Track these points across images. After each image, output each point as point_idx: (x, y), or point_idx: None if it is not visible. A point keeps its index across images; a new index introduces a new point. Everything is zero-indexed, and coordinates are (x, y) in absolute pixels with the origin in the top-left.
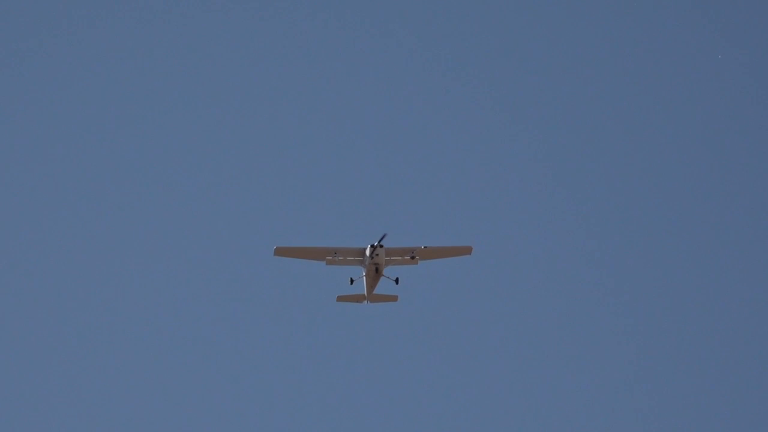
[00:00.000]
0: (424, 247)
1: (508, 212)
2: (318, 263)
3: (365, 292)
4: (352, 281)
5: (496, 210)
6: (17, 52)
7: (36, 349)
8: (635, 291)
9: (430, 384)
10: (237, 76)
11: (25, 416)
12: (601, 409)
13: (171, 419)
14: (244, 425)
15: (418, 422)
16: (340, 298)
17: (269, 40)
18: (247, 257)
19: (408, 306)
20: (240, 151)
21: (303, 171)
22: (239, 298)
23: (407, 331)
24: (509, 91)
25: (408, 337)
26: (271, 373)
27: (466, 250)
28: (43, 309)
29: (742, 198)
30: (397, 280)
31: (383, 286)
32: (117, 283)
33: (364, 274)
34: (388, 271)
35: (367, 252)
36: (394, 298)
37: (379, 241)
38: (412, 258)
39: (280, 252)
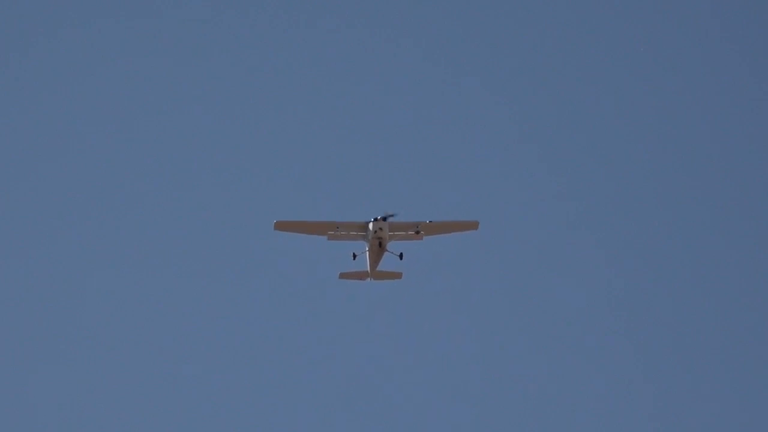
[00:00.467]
0: (429, 221)
1: (517, 185)
2: (319, 238)
3: (368, 269)
4: (354, 256)
5: (504, 183)
6: (17, 52)
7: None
8: (645, 265)
9: (435, 363)
10: (236, 49)
11: (25, 416)
12: (605, 387)
13: (165, 395)
14: (242, 404)
15: (422, 404)
16: (343, 275)
17: (269, 10)
18: (246, 232)
19: (412, 283)
20: (239, 121)
21: (304, 142)
22: (237, 275)
23: (411, 309)
24: (520, 64)
25: (412, 315)
26: (271, 352)
27: (472, 225)
28: (42, 281)
29: (744, 198)
30: (401, 256)
31: (387, 263)
32: (113, 256)
33: (367, 249)
34: (392, 247)
35: (370, 226)
36: (398, 275)
37: (383, 217)
38: (417, 233)
39: (281, 226)
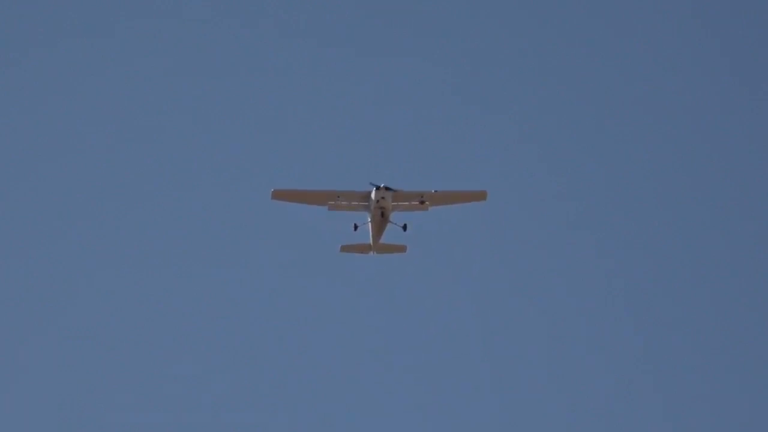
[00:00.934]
0: (435, 191)
1: (527, 154)
2: (319, 208)
3: (371, 241)
4: (356, 227)
5: (513, 151)
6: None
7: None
8: (659, 239)
9: (440, 341)
10: (236, 18)
11: (25, 416)
12: (614, 361)
13: (163, 373)
14: (239, 381)
15: (424, 384)
16: (344, 248)
17: None
18: (241, 201)
19: (417, 257)
20: (234, 85)
21: (304, 107)
22: (231, 247)
23: (416, 284)
24: (528, 30)
25: (416, 291)
26: (268, 330)
27: (480, 195)
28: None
29: (744, 198)
30: (405, 227)
31: (391, 236)
32: (105, 230)
33: (369, 220)
34: (396, 218)
35: (372, 195)
36: (402, 249)
37: (386, 186)
38: (422, 203)
39: (278, 195)
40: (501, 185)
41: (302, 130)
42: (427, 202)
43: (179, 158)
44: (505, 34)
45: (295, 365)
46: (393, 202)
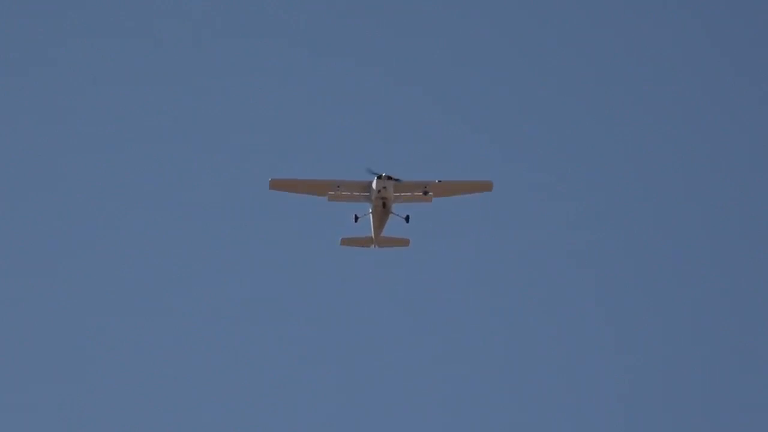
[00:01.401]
0: (439, 181)
1: (534, 142)
2: (319, 198)
3: (372, 233)
4: (356, 218)
5: (520, 139)
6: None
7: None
8: (668, 231)
9: (444, 338)
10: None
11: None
12: (621, 359)
13: (158, 368)
14: (236, 378)
15: (430, 383)
16: (345, 242)
17: None
18: (238, 191)
19: (420, 251)
20: (231, 74)
21: (304, 94)
22: (227, 238)
23: (420, 280)
24: (536, 18)
25: (421, 287)
26: (266, 326)
27: (486, 186)
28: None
29: (744, 198)
30: (407, 218)
31: (394, 229)
32: (99, 221)
33: (370, 211)
34: (398, 209)
35: (374, 184)
36: (405, 242)
37: (388, 175)
38: (426, 194)
39: (276, 185)
40: (507, 178)
41: (300, 120)
42: (430, 193)
43: (173, 148)
44: (505, 34)
45: (293, 366)
46: (395, 192)
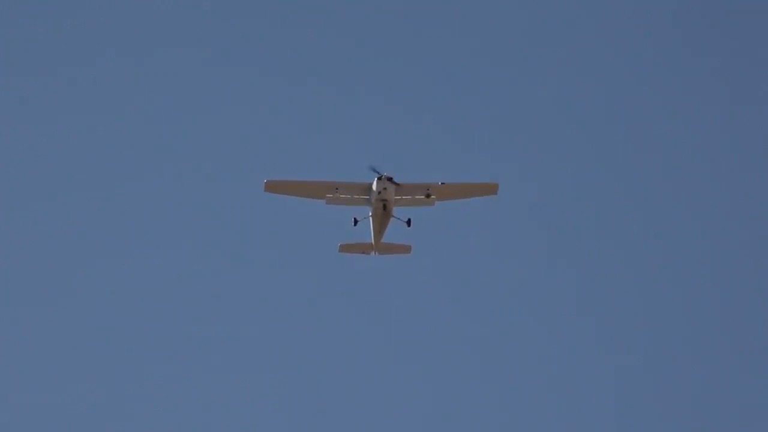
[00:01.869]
0: (442, 183)
1: (541, 144)
2: (317, 201)
3: (372, 239)
4: (355, 222)
5: (527, 141)
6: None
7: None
8: (673, 235)
9: (446, 350)
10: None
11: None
12: (624, 362)
13: (156, 372)
14: (232, 388)
15: (431, 393)
16: (343, 248)
17: None
18: (231, 193)
19: (423, 258)
20: (228, 70)
21: (302, 90)
22: (220, 244)
23: (421, 287)
24: (539, 16)
25: (422, 294)
26: (261, 337)
27: (491, 188)
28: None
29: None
30: (409, 222)
31: (395, 236)
32: (96, 223)
33: (370, 214)
34: (399, 213)
35: (374, 186)
36: (406, 249)
37: (388, 176)
38: (428, 197)
39: (272, 187)
40: (513, 180)
41: (299, 119)
42: (433, 196)
43: (166, 149)
44: (504, 33)
45: (290, 374)
46: (396, 195)
